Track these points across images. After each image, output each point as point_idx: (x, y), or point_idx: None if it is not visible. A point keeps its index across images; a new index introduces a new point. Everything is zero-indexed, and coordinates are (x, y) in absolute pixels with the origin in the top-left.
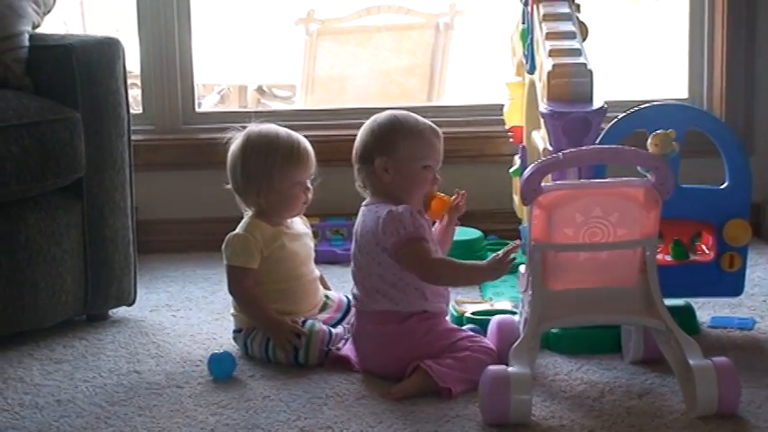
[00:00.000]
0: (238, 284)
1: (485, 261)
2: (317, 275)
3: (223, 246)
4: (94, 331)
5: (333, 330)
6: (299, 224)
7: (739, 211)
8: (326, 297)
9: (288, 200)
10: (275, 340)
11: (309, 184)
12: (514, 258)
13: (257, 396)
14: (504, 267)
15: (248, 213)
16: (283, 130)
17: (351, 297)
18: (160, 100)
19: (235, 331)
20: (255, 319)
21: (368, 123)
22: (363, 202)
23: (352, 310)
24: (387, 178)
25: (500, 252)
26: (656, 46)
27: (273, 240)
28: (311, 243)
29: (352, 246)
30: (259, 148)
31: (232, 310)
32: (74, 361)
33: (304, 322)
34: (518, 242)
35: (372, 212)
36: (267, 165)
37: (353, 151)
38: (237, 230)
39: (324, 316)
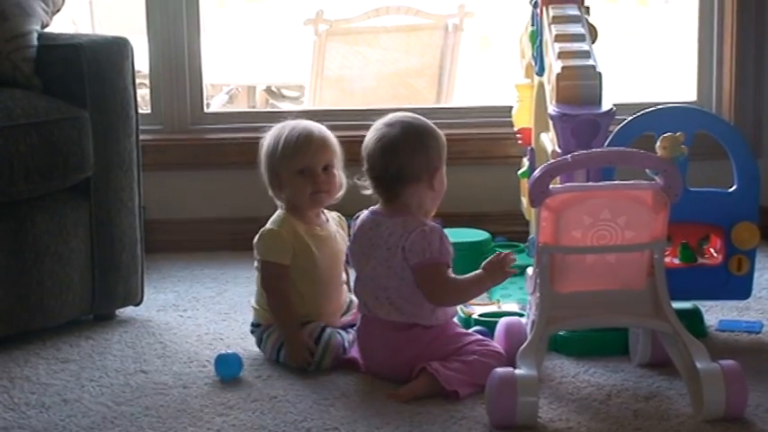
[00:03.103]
0: (273, 282)
1: (480, 270)
2: (343, 280)
3: (255, 239)
4: (101, 331)
5: (348, 338)
6: (333, 224)
7: (748, 214)
8: (350, 299)
9: (294, 190)
10: (289, 353)
11: (324, 172)
12: (514, 260)
13: (264, 397)
14: (501, 269)
15: (281, 208)
16: (300, 123)
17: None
18: (168, 100)
19: (253, 324)
20: (278, 322)
21: (411, 139)
22: (378, 211)
23: None
24: (437, 190)
25: (493, 257)
26: (665, 48)
27: (301, 238)
28: (343, 246)
29: (359, 251)
30: (270, 140)
31: (253, 303)
32: (80, 360)
33: (323, 330)
34: (512, 253)
35: (400, 225)
36: (274, 155)
37: (395, 167)
38: (269, 225)
39: (347, 318)
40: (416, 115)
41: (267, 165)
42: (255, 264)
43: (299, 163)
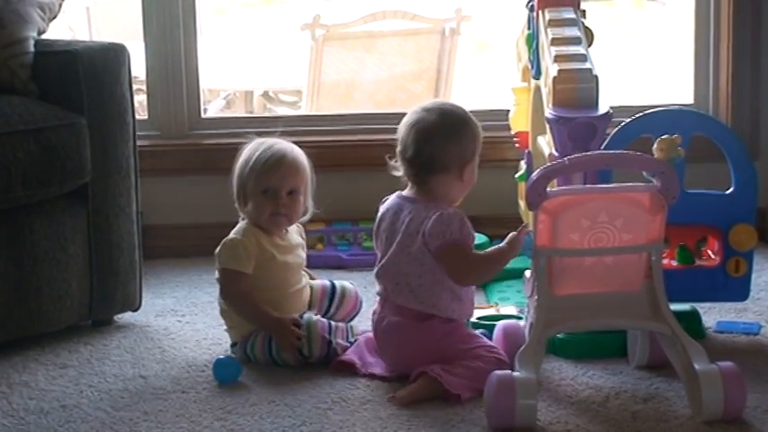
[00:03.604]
0: (233, 287)
1: (503, 243)
2: (303, 284)
3: (217, 250)
4: (100, 336)
5: (332, 323)
6: (294, 235)
7: (745, 215)
8: (310, 288)
9: (256, 208)
10: (278, 340)
11: (289, 196)
12: (528, 231)
13: (263, 401)
14: (518, 239)
15: (244, 219)
16: (277, 144)
17: (377, 287)
18: (166, 105)
19: (231, 345)
20: (254, 320)
21: (446, 128)
22: (404, 196)
23: (336, 297)
24: (466, 182)
25: (511, 234)
26: (662, 51)
27: (265, 249)
28: (303, 254)
29: (384, 237)
30: (244, 154)
31: (225, 327)
32: (79, 366)
33: (300, 317)
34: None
35: (422, 211)
36: (244, 170)
37: (425, 154)
38: (231, 235)
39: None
40: (457, 104)
41: (237, 178)
42: (216, 274)
43: (265, 183)
